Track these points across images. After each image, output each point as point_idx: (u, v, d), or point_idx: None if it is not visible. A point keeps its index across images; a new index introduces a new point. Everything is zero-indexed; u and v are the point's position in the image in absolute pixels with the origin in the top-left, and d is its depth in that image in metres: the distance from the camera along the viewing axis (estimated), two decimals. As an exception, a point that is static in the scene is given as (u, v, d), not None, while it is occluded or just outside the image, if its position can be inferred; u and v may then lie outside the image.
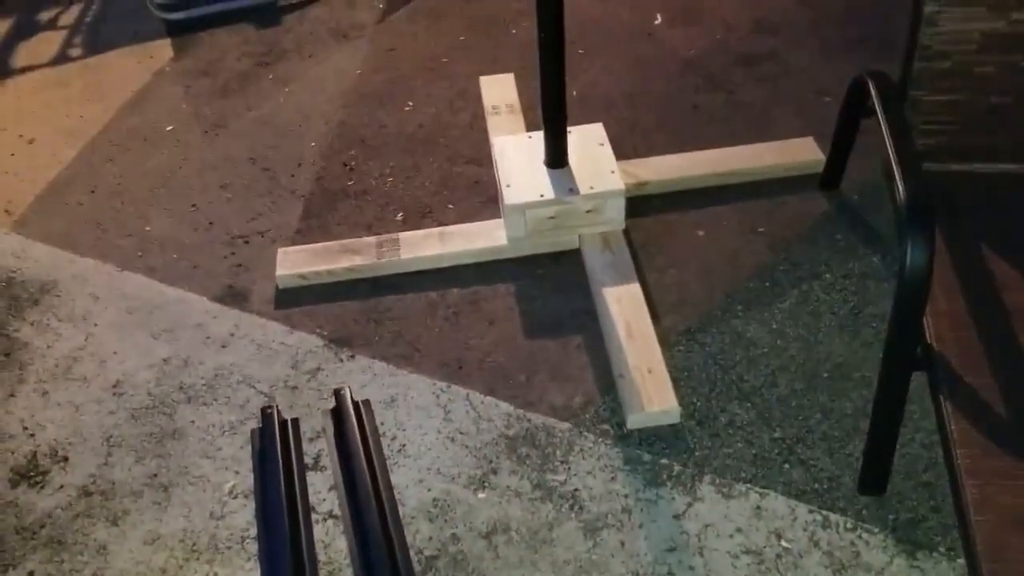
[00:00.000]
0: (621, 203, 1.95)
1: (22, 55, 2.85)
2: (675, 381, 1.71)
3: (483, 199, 2.16)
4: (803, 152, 2.17)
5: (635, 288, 1.86)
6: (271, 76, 2.64)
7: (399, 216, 2.15)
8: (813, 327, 1.81)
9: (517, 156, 2.02)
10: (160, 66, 2.73)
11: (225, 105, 2.55)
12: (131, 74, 2.71)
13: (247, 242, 2.12)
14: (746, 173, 2.14)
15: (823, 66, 2.47)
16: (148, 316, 1.96)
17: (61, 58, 2.84)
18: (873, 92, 1.68)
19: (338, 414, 1.69)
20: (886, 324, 1.79)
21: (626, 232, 2.00)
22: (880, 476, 1.50)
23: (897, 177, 1.46)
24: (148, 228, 2.18)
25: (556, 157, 1.96)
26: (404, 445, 1.67)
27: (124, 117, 2.55)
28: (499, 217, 2.05)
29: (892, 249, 1.95)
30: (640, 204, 2.09)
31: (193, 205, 2.23)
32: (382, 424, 1.70)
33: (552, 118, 1.90)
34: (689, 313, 1.86)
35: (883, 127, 1.64)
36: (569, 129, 1.99)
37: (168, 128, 2.49)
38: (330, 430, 1.68)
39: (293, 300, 1.96)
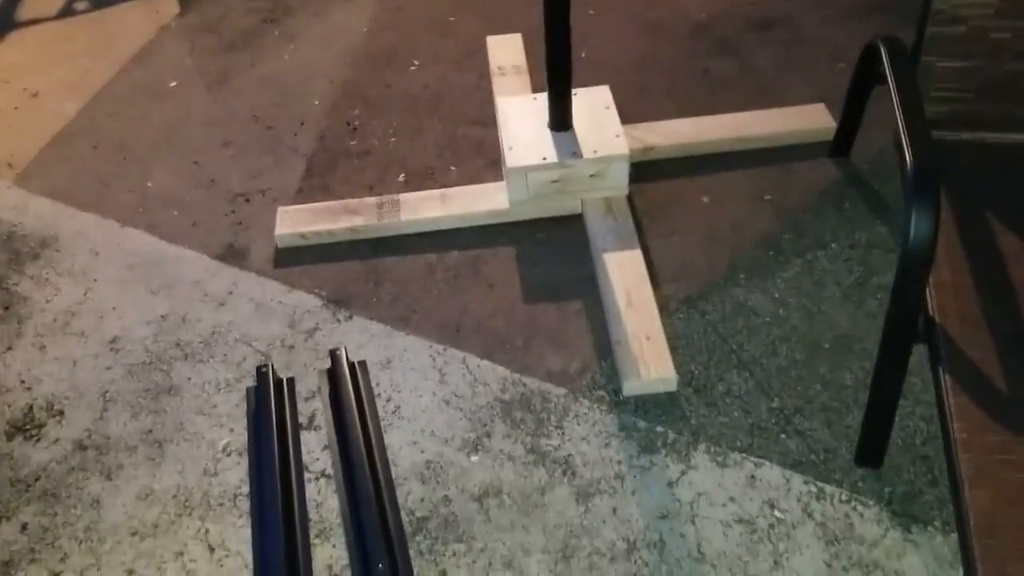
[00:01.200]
0: (625, 168, 1.92)
1: (27, 8, 2.83)
2: (673, 349, 1.70)
3: (486, 161, 2.13)
4: (814, 119, 2.13)
5: (636, 255, 1.84)
6: (276, 33, 2.61)
7: (401, 177, 2.12)
8: (816, 297, 1.78)
9: (521, 118, 1.98)
10: (166, 22, 2.70)
11: (229, 61, 2.52)
12: (136, 29, 2.68)
13: (248, 200, 2.10)
14: (755, 140, 2.10)
15: (838, 32, 2.42)
16: (147, 272, 1.96)
17: (67, 11, 2.82)
18: (885, 57, 1.64)
19: (333, 374, 1.69)
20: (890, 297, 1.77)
21: (630, 198, 1.97)
22: (877, 448, 1.48)
23: (905, 145, 1.42)
24: (150, 184, 2.17)
25: (560, 120, 1.93)
26: (399, 407, 1.66)
27: (128, 72, 2.53)
28: (502, 180, 2.02)
29: (900, 220, 1.91)
30: (645, 169, 2.06)
31: (195, 162, 2.22)
32: (377, 385, 1.69)
33: (557, 80, 1.87)
34: (691, 281, 1.84)
35: (893, 93, 1.60)
36: (574, 91, 1.96)
37: (172, 84, 2.46)
38: (325, 390, 1.68)
39: (292, 259, 1.95)
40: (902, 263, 1.30)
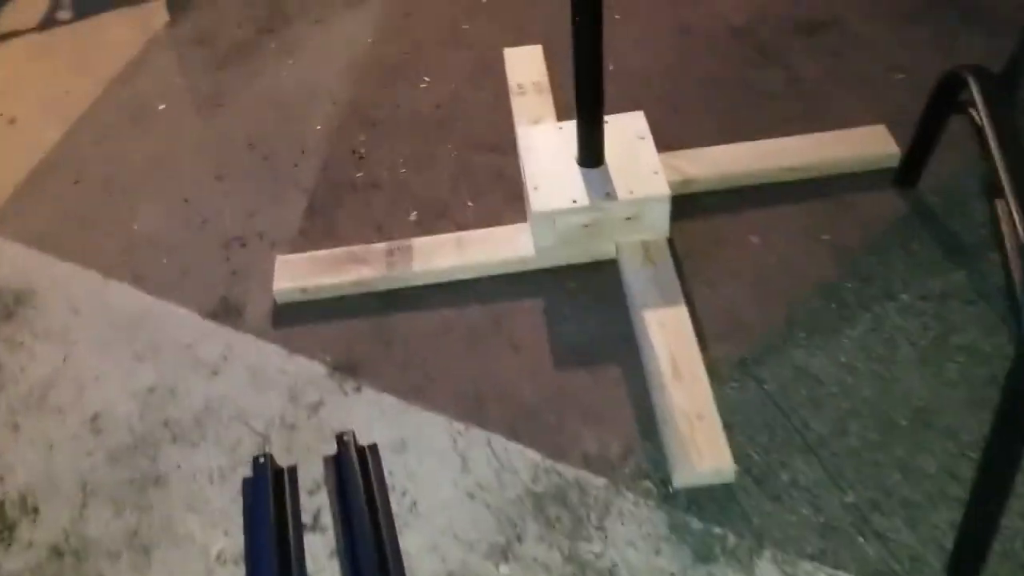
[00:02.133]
0: (666, 209, 1.70)
1: (6, 19, 2.61)
2: (728, 427, 1.49)
3: (506, 195, 1.91)
4: (874, 143, 1.89)
5: (681, 311, 1.62)
6: (273, 45, 2.38)
7: (413, 215, 1.91)
8: (888, 361, 1.57)
9: (545, 151, 1.76)
10: (154, 33, 2.48)
11: (223, 79, 2.30)
12: (123, 41, 2.46)
13: (244, 245, 1.89)
14: (808, 169, 1.87)
15: (893, 35, 2.17)
16: (132, 333, 1.76)
17: (48, 22, 2.60)
18: (975, 93, 1.41)
19: (340, 463, 1.49)
20: (973, 358, 1.55)
21: (670, 240, 1.75)
22: (976, 563, 1.27)
23: (1014, 209, 1.21)
24: (135, 226, 1.96)
25: (591, 155, 1.71)
26: (415, 502, 1.46)
27: (113, 92, 2.31)
28: (524, 218, 1.81)
29: (979, 263, 1.69)
30: (685, 204, 1.83)
31: (185, 199, 2.01)
32: (390, 475, 1.49)
33: (588, 112, 1.64)
34: (743, 340, 1.62)
35: (989, 137, 1.38)
36: (606, 118, 1.73)
37: (160, 107, 2.25)
38: (331, 483, 1.47)
39: (293, 317, 1.74)
40: (1017, 363, 1.09)
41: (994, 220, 1.38)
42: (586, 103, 1.62)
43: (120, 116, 2.23)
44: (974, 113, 1.48)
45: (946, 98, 1.59)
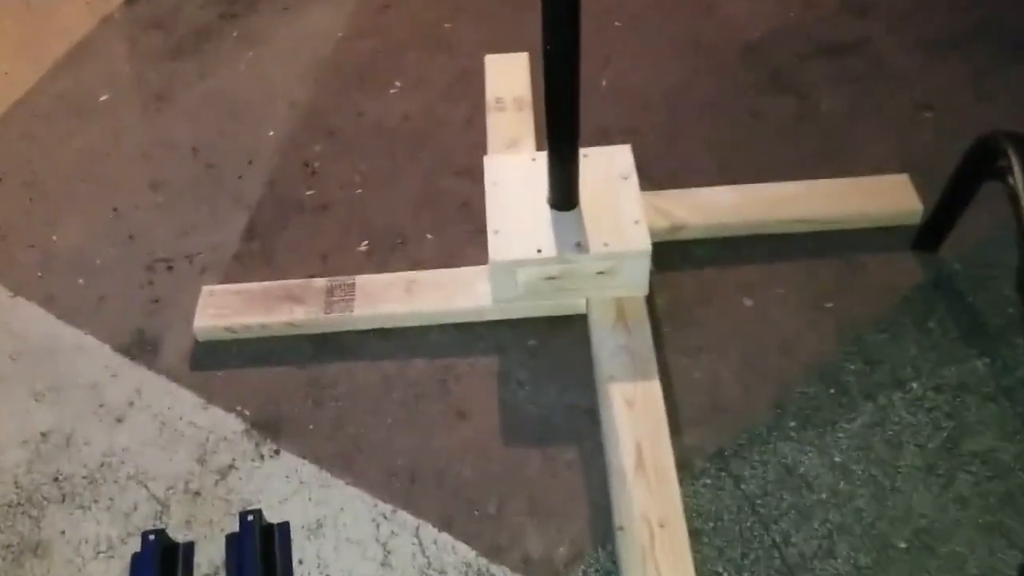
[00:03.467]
0: (645, 266, 1.47)
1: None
2: (696, 534, 1.27)
3: (471, 229, 1.69)
4: (895, 196, 1.66)
5: (653, 387, 1.40)
6: (235, 34, 2.15)
7: (363, 245, 1.69)
8: (890, 465, 1.34)
9: (513, 187, 1.53)
10: (109, 11, 2.26)
11: (175, 70, 2.07)
12: (75, 20, 2.24)
13: (170, 268, 1.68)
14: (816, 222, 1.64)
15: (924, 66, 1.93)
16: (35, 366, 1.55)
17: (-2, -9, 2.37)
18: (1014, 166, 1.18)
19: (242, 546, 1.28)
20: (988, 468, 1.33)
21: (649, 296, 1.53)
22: None
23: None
24: (55, 238, 1.75)
25: (562, 197, 1.48)
26: (324, 600, 1.26)
27: (55, 78, 2.09)
28: (487, 259, 1.58)
29: (1002, 350, 1.46)
30: (672, 253, 1.61)
31: (115, 208, 1.79)
32: (300, 563, 1.28)
33: (559, 149, 1.41)
34: (723, 426, 1.40)
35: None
36: (584, 151, 1.50)
37: (103, 98, 2.03)
38: (230, 569, 1.27)
39: (214, 359, 1.53)
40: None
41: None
42: (558, 139, 1.39)
43: (57, 106, 2.02)
44: (1013, 183, 1.25)
45: (980, 163, 1.36)
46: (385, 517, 1.33)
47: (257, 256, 1.68)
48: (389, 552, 1.29)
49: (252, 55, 2.09)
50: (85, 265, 1.69)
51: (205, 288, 1.58)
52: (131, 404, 1.48)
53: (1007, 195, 1.27)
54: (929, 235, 1.59)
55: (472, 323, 1.55)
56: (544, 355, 1.51)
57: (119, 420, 1.46)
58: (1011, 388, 1.42)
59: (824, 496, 1.32)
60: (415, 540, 1.30)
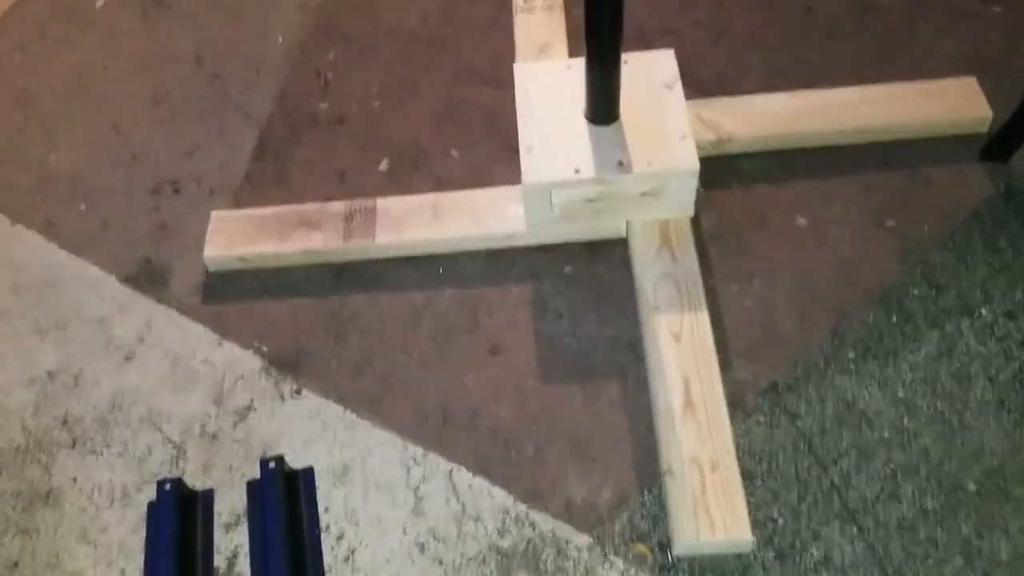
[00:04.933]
0: (692, 186, 1.35)
1: None
2: (749, 477, 1.19)
3: (499, 144, 1.56)
4: (961, 101, 1.51)
5: (701, 318, 1.29)
6: (237, -71, 1.98)
7: (383, 164, 1.56)
8: (958, 400, 1.24)
9: (547, 99, 1.40)
10: (99, -95, 2.07)
11: (173, -29, 1.91)
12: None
13: (177, 191, 1.56)
14: (876, 131, 1.50)
15: (997, -46, 1.74)
16: (38, 300, 1.46)
17: None
18: None
19: (263, 494, 1.21)
20: (1068, 403, 1.23)
21: (695, 218, 1.41)
22: None
23: None
24: (53, 158, 1.63)
25: (602, 110, 1.35)
26: (353, 550, 1.18)
27: (46, -19, 1.94)
28: (519, 177, 1.45)
29: (1083, 273, 1.34)
30: (719, 169, 1.48)
31: (115, 126, 1.67)
32: (325, 511, 1.21)
33: (599, 52, 1.27)
34: (777, 359, 1.30)
35: None
36: (624, 57, 1.35)
37: (99, 4, 1.87)
38: (252, 519, 1.20)
39: (227, 290, 1.43)
40: None
41: None
42: (597, 39, 1.24)
43: (51, 13, 1.86)
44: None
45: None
46: (416, 461, 1.24)
47: (269, 176, 1.56)
48: (421, 498, 1.21)
49: (256, -48, 1.92)
50: (86, 189, 1.58)
51: (215, 213, 1.47)
52: (141, 340, 1.39)
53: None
54: (1000, 144, 1.45)
55: (504, 249, 1.43)
56: (582, 283, 1.40)
57: (128, 358, 1.38)
58: (1092, 314, 1.30)
59: (887, 434, 1.22)
60: (448, 485, 1.22)
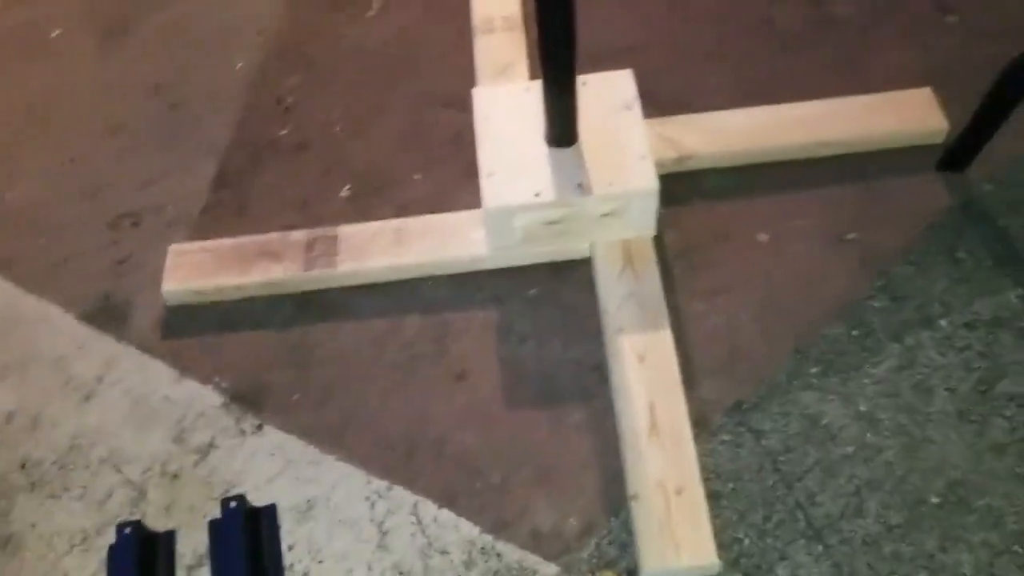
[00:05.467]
0: (653, 205, 1.35)
1: None
2: (715, 498, 1.19)
3: (463, 166, 1.55)
4: (918, 113, 1.51)
5: (665, 338, 1.29)
6: (193, -44, 1.96)
7: (346, 190, 1.55)
8: (919, 413, 1.25)
9: (507, 122, 1.39)
10: (55, -66, 2.05)
11: (132, 0, 1.89)
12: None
13: (136, 224, 1.55)
14: (836, 144, 1.50)
15: (950, -35, 1.76)
16: (-5, 338, 1.44)
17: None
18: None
19: (225, 534, 1.20)
20: (1029, 414, 1.24)
21: (658, 235, 1.41)
22: None
23: None
24: (8, 195, 1.61)
25: (560, 132, 1.34)
26: (319, 586, 1.17)
27: (6, 10, 1.92)
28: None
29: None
30: (681, 185, 1.48)
31: (72, 159, 1.65)
32: (290, 549, 1.20)
33: (555, 75, 1.26)
34: (741, 377, 1.30)
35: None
36: (582, 79, 1.36)
37: (55, 33, 1.86)
38: (214, 558, 1.18)
39: (186, 325, 1.42)
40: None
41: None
42: (552, 63, 1.24)
43: (8, 42, 1.85)
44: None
45: (1016, 85, 1.22)
46: (380, 495, 1.23)
47: (229, 206, 1.55)
48: (386, 532, 1.20)
49: (213, -22, 1.91)
50: (43, 224, 1.56)
51: (173, 247, 1.45)
52: (100, 379, 1.38)
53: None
54: (957, 154, 1.46)
55: (468, 273, 1.43)
56: (547, 306, 1.39)
57: (88, 398, 1.36)
58: (1050, 323, 1.31)
59: (850, 450, 1.23)
60: (414, 518, 1.21)
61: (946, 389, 1.27)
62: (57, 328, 1.43)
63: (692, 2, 1.76)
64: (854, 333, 1.33)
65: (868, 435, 1.24)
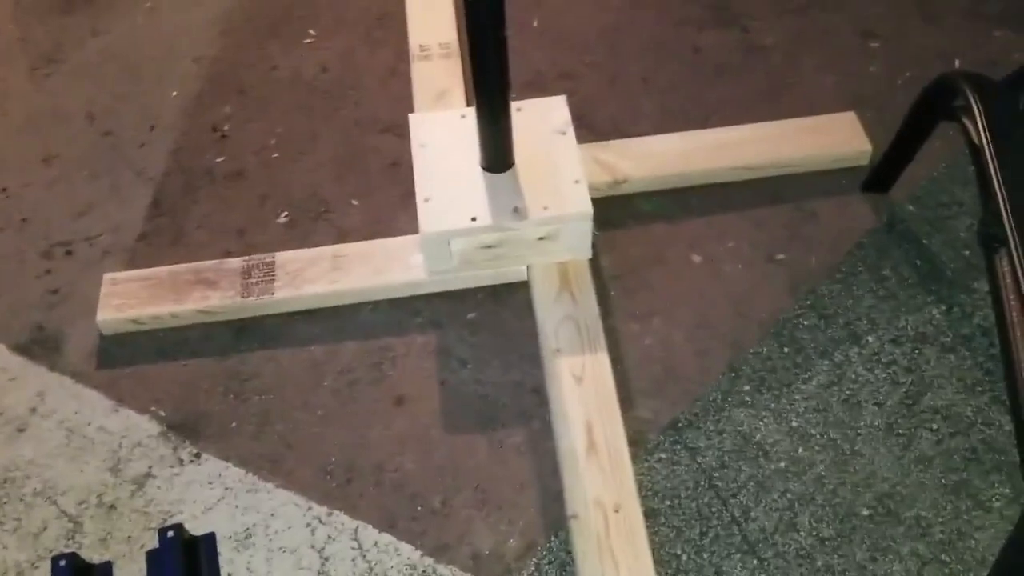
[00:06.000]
0: (588, 229, 1.37)
1: None
2: (653, 515, 1.21)
3: (401, 192, 1.56)
4: (842, 136, 1.57)
5: (602, 359, 1.31)
6: (130, -18, 1.96)
7: (283, 216, 1.55)
8: (848, 428, 1.29)
9: (443, 148, 1.41)
10: (-14, -41, 2.03)
11: (65, 27, 1.88)
12: (-55, -29, 2.01)
13: (69, 252, 1.53)
14: (764, 168, 1.55)
15: (869, -7, 1.83)
16: (-78, 372, 1.41)
17: None
18: (974, 111, 1.10)
19: (162, 565, 1.18)
20: (950, 424, 1.28)
21: (594, 257, 1.43)
22: None
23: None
24: (-63, 225, 1.58)
25: (495, 158, 1.36)
26: (259, 616, 1.16)
27: (-72, 39, 1.89)
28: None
29: (959, 295, 1.40)
30: (616, 209, 1.51)
31: (3, 189, 1.62)
32: (230, 578, 1.19)
33: (488, 103, 1.29)
34: (677, 395, 1.33)
35: (990, 171, 1.07)
36: (517, 105, 1.39)
37: (-17, 60, 1.83)
38: (152, 591, 1.16)
39: (122, 354, 1.40)
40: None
41: (993, 278, 1.09)
42: (486, 94, 1.27)
43: (-67, 72, 1.82)
44: (969, 129, 1.17)
45: (935, 105, 1.27)
46: (320, 521, 1.23)
47: (165, 234, 1.54)
48: (327, 559, 1.20)
49: (150, 6, 1.90)
50: (-27, 255, 1.54)
51: (107, 276, 1.44)
52: (33, 411, 1.35)
53: (966, 141, 1.18)
54: (880, 176, 1.51)
55: (406, 298, 1.44)
56: (486, 329, 1.41)
57: (20, 430, 1.33)
58: (970, 337, 1.36)
59: (783, 464, 1.26)
60: (354, 543, 1.21)
61: (874, 404, 1.31)
62: (-13, 360, 1.41)
63: (624, 32, 1.80)
64: (785, 350, 1.37)
65: (800, 450, 1.27)
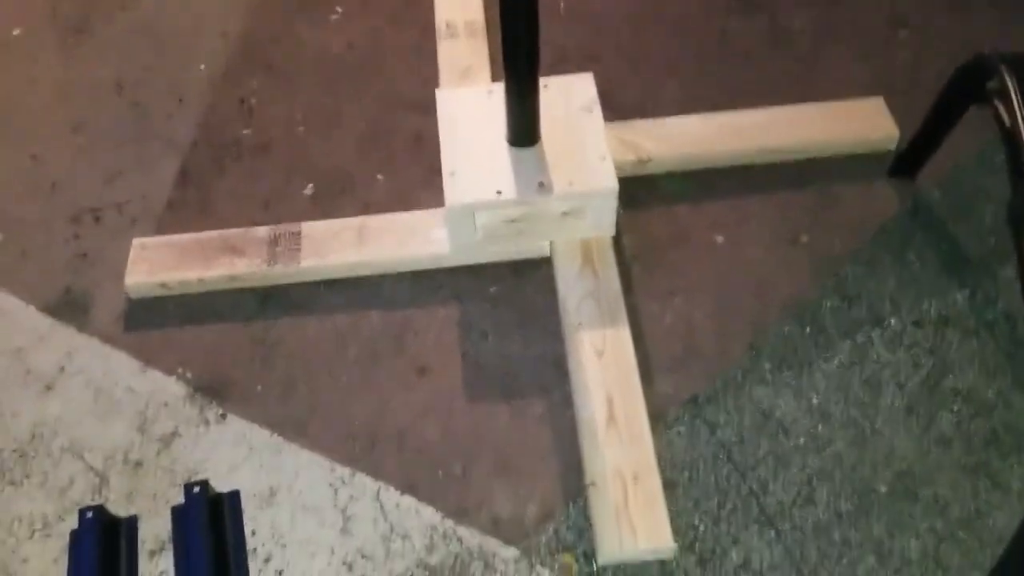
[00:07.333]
0: (612, 205, 1.38)
1: None
2: (671, 486, 1.21)
3: (424, 167, 1.58)
4: (869, 121, 1.57)
5: (623, 334, 1.32)
6: (160, -42, 1.98)
7: (308, 189, 1.57)
8: (869, 407, 1.29)
9: (469, 123, 1.42)
10: (18, -66, 2.05)
11: (95, 1, 1.90)
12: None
13: (98, 219, 1.55)
14: (789, 151, 1.55)
15: (900, -19, 1.83)
16: (-48, 330, 1.43)
17: None
18: (1009, 89, 1.10)
19: (188, 519, 1.20)
20: (971, 407, 1.28)
21: (617, 235, 1.44)
22: None
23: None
24: (-31, 188, 1.61)
25: (522, 133, 1.38)
26: (281, 572, 1.17)
27: (-39, 9, 1.91)
28: (444, 201, 1.47)
29: (984, 281, 1.40)
30: (639, 189, 1.52)
31: (33, 155, 1.64)
32: (253, 535, 1.20)
33: (518, 77, 1.30)
34: (696, 372, 1.34)
35: (1021, 143, 1.07)
36: (544, 81, 1.39)
37: (15, 32, 1.85)
38: (177, 544, 1.18)
39: (149, 318, 1.42)
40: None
41: (1022, 257, 1.09)
42: (516, 69, 1.28)
43: (-34, 41, 1.84)
44: (1002, 111, 1.17)
45: (968, 87, 1.28)
46: (343, 481, 1.24)
47: (192, 204, 1.55)
48: (349, 518, 1.21)
49: (179, -19, 1.92)
50: (4, 219, 1.55)
51: (136, 240, 1.46)
52: (61, 370, 1.37)
53: (995, 120, 1.19)
54: (907, 161, 1.51)
55: (429, 271, 1.45)
56: (507, 303, 1.42)
57: (49, 388, 1.35)
58: (992, 322, 1.36)
59: (802, 441, 1.26)
60: (376, 504, 1.22)
61: (895, 384, 1.31)
62: (17, 320, 1.42)
63: (651, 15, 1.81)
64: (807, 331, 1.37)
65: (819, 427, 1.27)
